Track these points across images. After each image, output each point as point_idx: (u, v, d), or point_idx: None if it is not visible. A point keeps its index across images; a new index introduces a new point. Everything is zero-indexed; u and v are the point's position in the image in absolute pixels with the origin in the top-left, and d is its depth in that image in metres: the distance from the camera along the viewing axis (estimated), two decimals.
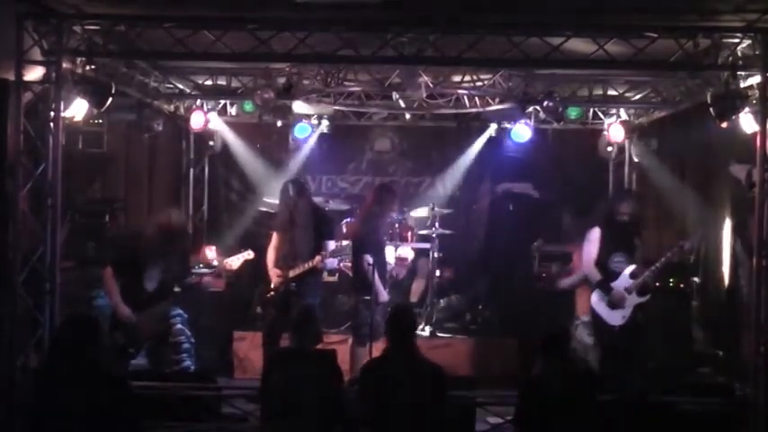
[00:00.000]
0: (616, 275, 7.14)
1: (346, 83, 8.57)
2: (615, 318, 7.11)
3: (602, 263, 7.18)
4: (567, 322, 7.88)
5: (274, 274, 7.24)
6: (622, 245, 7.17)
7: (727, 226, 8.31)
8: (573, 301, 8.12)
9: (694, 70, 7.49)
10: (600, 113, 9.70)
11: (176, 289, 7.01)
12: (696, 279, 8.69)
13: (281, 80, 8.25)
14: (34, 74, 6.53)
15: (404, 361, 4.91)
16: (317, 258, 6.99)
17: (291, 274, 7.08)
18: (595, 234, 7.22)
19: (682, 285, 8.52)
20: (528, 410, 4.83)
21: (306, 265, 7.03)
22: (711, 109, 6.70)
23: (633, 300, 7.07)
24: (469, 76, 8.48)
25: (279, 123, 9.92)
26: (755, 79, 6.56)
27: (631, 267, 7.10)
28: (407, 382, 4.78)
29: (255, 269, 7.78)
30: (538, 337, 5.11)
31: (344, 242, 7.28)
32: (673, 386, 6.68)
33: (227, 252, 8.96)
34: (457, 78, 8.51)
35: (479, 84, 8.47)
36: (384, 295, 7.35)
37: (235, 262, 7.29)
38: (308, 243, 7.09)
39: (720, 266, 8.38)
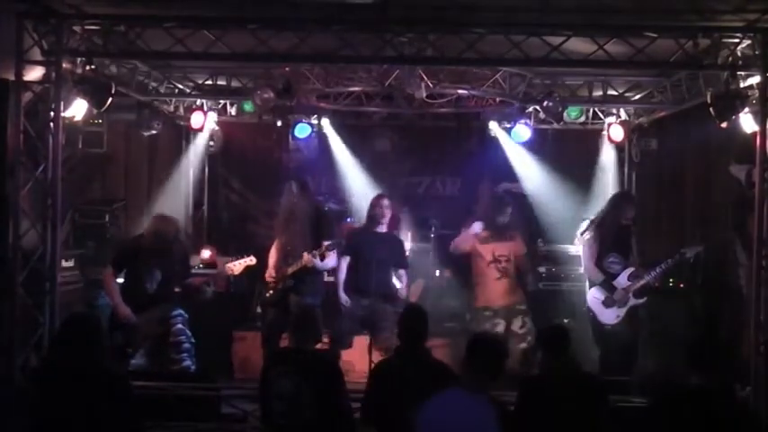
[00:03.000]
0: (610, 276, 7.19)
1: (346, 83, 8.57)
2: (609, 317, 7.15)
3: (596, 263, 7.23)
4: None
5: (274, 272, 7.25)
6: (618, 246, 7.21)
7: (728, 226, 8.30)
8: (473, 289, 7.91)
9: (694, 70, 7.50)
10: (600, 113, 9.70)
11: (177, 289, 7.02)
12: (696, 279, 8.69)
13: (281, 80, 8.25)
14: (34, 74, 6.54)
15: (415, 362, 4.90)
16: (307, 257, 6.98)
17: (289, 271, 7.09)
18: (593, 236, 7.25)
19: (682, 285, 8.52)
20: (527, 409, 4.82)
21: (299, 263, 7.03)
22: (711, 109, 6.70)
23: (630, 301, 7.11)
24: (469, 76, 8.48)
25: (279, 123, 9.92)
26: (755, 79, 6.57)
27: (630, 269, 7.13)
28: (417, 384, 4.77)
29: (256, 269, 7.78)
30: (538, 337, 5.11)
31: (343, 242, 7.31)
32: (672, 386, 6.67)
33: (226, 253, 8.97)
34: (457, 78, 8.51)
35: (479, 84, 8.47)
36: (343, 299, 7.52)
37: (236, 267, 7.28)
38: (308, 242, 7.09)
39: (720, 266, 8.37)
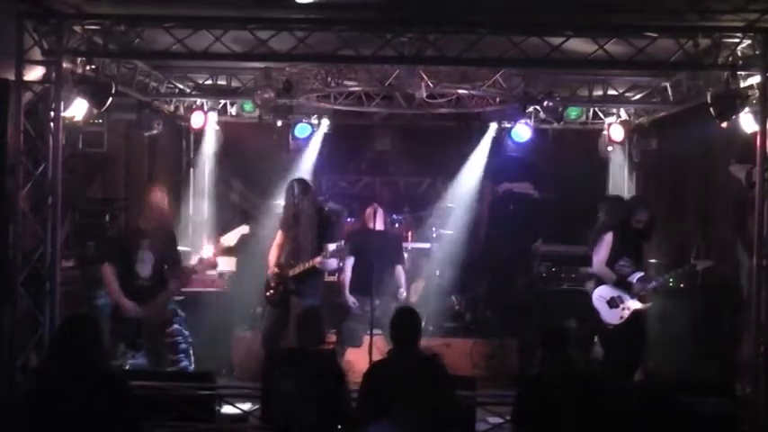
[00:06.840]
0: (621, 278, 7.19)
1: (346, 83, 8.57)
2: (613, 317, 7.13)
3: (608, 265, 7.21)
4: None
5: (275, 272, 7.24)
6: (630, 251, 7.18)
7: (728, 226, 8.31)
8: None
9: (694, 70, 7.50)
10: (600, 113, 9.70)
11: (166, 266, 6.92)
12: (696, 279, 8.69)
13: (281, 80, 8.25)
14: (34, 74, 6.54)
15: (408, 362, 4.91)
16: (317, 259, 6.98)
17: (291, 273, 7.08)
18: (608, 237, 7.23)
19: (682, 285, 8.52)
20: (526, 408, 4.83)
21: (304, 265, 7.02)
22: (711, 109, 6.70)
23: (635, 305, 7.09)
24: (469, 76, 8.49)
25: (279, 123, 9.92)
26: (755, 79, 6.57)
27: (639, 274, 7.12)
28: (411, 384, 4.77)
29: (256, 269, 7.79)
30: (538, 337, 5.11)
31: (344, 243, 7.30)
32: (673, 386, 6.69)
33: (226, 253, 8.96)
34: (457, 78, 8.51)
35: (479, 84, 8.47)
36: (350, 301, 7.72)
37: (231, 239, 7.22)
38: (310, 243, 7.07)
39: (721, 266, 8.37)
